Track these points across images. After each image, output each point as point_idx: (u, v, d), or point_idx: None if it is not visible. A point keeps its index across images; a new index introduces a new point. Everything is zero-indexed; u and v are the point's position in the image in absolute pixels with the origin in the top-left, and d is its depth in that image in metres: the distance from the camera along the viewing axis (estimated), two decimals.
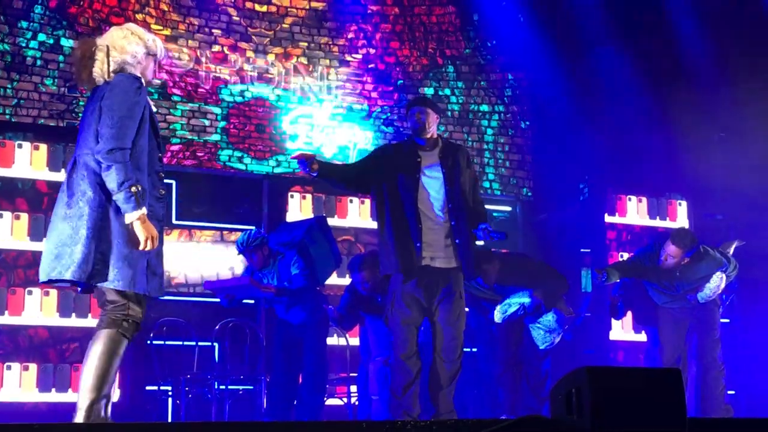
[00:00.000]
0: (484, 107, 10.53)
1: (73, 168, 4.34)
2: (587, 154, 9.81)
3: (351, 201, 9.38)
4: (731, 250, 7.59)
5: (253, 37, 9.73)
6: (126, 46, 4.49)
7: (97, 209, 4.25)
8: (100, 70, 4.40)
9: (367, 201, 9.30)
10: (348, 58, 10.07)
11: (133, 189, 4.18)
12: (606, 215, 9.46)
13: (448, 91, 10.41)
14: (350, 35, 10.13)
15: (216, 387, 7.85)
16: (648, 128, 9.84)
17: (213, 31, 9.57)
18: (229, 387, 7.96)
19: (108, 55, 4.41)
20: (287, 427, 4.02)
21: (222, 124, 9.43)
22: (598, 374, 3.73)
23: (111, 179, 4.19)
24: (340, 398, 8.24)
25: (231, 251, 8.41)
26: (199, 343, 8.03)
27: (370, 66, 10.15)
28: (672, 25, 10.17)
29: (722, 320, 9.54)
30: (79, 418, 4.15)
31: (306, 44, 9.94)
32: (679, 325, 7.25)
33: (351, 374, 8.12)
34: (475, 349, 8.54)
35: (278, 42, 9.82)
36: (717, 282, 7.22)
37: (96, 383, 4.20)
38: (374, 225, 9.26)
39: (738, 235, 8.44)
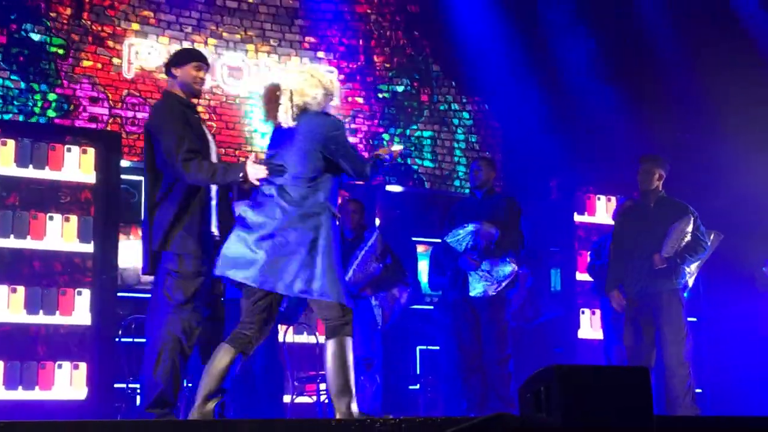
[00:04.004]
0: (455, 106, 10.55)
1: (281, 193, 4.81)
2: (557, 152, 9.86)
3: None
4: (710, 240, 7.54)
5: (224, 33, 9.70)
6: (306, 89, 4.92)
7: (317, 229, 4.76)
8: (284, 113, 4.89)
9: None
10: (319, 55, 10.06)
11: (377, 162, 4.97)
12: (575, 214, 9.50)
13: (419, 89, 10.42)
14: (321, 33, 10.11)
15: (186, 384, 7.82)
16: (618, 127, 9.89)
17: (184, 27, 9.53)
18: None
19: (291, 99, 4.88)
20: (255, 425, 4.01)
21: None
22: (566, 372, 3.76)
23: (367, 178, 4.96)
24: (310, 396, 8.22)
25: None
26: None
27: (341, 64, 10.14)
28: (642, 23, 10.25)
29: (690, 319, 9.63)
30: (341, 415, 4.73)
31: (277, 42, 9.92)
32: (645, 327, 7.22)
33: (320, 372, 8.10)
34: (437, 347, 8.59)
35: (249, 39, 9.79)
36: (682, 228, 7.09)
37: (350, 384, 4.79)
38: None
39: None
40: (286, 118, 4.88)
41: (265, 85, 5.09)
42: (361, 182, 4.88)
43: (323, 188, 4.83)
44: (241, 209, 4.97)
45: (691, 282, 7.28)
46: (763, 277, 8.22)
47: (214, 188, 5.32)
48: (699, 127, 9.90)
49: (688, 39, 10.05)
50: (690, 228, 7.12)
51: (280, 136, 4.95)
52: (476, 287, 7.13)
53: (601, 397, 3.73)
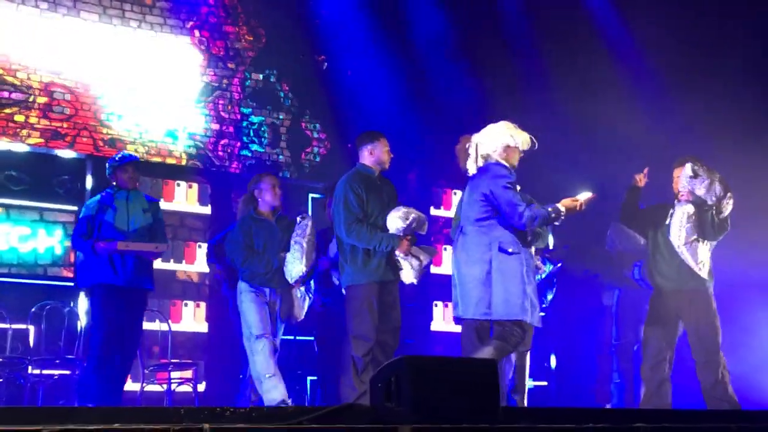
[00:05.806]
0: (316, 95, 10.54)
1: (463, 235, 5.73)
2: (415, 147, 9.95)
3: (178, 185, 9.25)
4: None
5: (82, 13, 9.44)
6: (487, 142, 5.79)
7: (489, 263, 5.54)
8: (471, 162, 5.82)
9: (195, 185, 9.19)
10: (181, 39, 9.89)
11: (553, 215, 5.63)
12: (432, 208, 9.64)
13: (280, 77, 10.39)
14: (183, 16, 9.96)
15: (30, 371, 7.63)
16: (475, 123, 10.04)
17: (39, 4, 9.23)
18: (44, 371, 7.74)
19: (476, 151, 5.79)
20: (102, 413, 3.95)
21: (46, 100, 9.11)
22: (417, 363, 3.82)
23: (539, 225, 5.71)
24: (161, 384, 8.12)
25: (52, 230, 8.20)
26: (13, 326, 7.79)
27: (202, 48, 10.00)
28: (500, 21, 10.47)
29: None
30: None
31: (137, 23, 9.72)
32: None
33: (172, 360, 8.03)
34: (311, 338, 8.57)
35: (108, 20, 9.56)
36: None
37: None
38: (203, 209, 9.21)
39: (568, 234, 8.63)
40: (471, 166, 5.80)
41: (461, 137, 5.95)
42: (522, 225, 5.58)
43: (495, 228, 5.57)
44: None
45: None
46: (610, 237, 8.22)
47: None
48: (551, 119, 10.07)
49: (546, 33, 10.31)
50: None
51: (470, 182, 5.86)
52: (416, 273, 6.60)
53: (449, 387, 3.81)
